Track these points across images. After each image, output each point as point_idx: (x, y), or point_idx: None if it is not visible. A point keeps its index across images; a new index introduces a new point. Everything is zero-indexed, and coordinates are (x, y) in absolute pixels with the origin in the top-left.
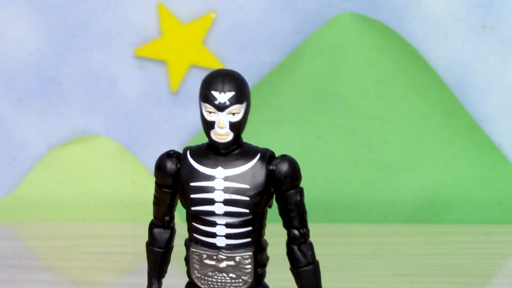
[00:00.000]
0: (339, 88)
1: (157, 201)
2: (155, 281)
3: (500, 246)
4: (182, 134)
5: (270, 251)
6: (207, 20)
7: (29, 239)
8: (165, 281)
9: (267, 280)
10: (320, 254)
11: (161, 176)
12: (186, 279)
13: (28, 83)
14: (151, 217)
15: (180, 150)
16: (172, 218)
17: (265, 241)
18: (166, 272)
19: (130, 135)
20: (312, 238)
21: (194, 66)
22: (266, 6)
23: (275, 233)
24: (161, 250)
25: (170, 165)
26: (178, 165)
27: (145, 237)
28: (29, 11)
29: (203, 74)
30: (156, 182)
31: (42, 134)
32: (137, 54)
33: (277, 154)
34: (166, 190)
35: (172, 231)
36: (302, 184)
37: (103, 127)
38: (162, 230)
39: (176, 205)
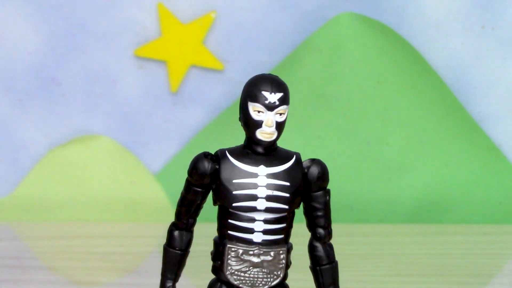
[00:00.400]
0: (339, 88)
1: (186, 202)
2: (171, 284)
3: (500, 246)
4: (182, 134)
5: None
6: (207, 20)
7: (29, 239)
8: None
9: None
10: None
11: (198, 175)
12: (189, 281)
13: (28, 83)
14: (151, 217)
15: (181, 150)
16: (195, 222)
17: (291, 243)
18: (180, 276)
19: (130, 135)
20: None
21: (194, 66)
22: (266, 6)
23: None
24: (180, 252)
25: (208, 164)
26: (217, 165)
27: (145, 237)
28: (29, 11)
29: (203, 74)
30: (188, 182)
31: (42, 134)
32: (137, 54)
33: None
34: (200, 190)
35: (192, 235)
36: None
37: (103, 127)
38: (183, 232)
39: (201, 208)
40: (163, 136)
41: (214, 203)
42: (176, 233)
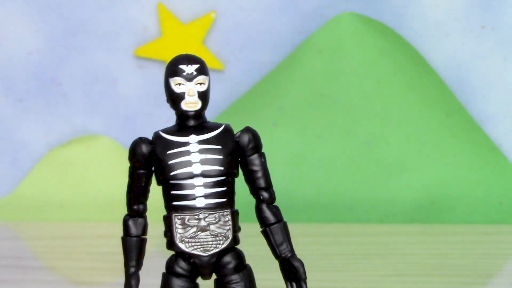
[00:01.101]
0: (339, 88)
1: (131, 187)
2: (134, 270)
3: (500, 246)
4: None
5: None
6: (207, 20)
7: (29, 239)
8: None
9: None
10: (320, 254)
11: (137, 158)
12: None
13: (28, 83)
14: (150, 217)
15: None
16: (145, 207)
17: (237, 210)
18: (142, 264)
19: (130, 135)
20: (312, 238)
21: None
22: (266, 6)
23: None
24: (137, 238)
25: (145, 146)
26: (152, 146)
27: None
28: (29, 11)
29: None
30: (130, 168)
31: (42, 134)
32: (137, 54)
33: (277, 155)
34: (142, 171)
35: (146, 221)
36: (302, 184)
37: (103, 127)
38: (137, 219)
39: (149, 191)
40: None
41: (158, 183)
42: (130, 221)
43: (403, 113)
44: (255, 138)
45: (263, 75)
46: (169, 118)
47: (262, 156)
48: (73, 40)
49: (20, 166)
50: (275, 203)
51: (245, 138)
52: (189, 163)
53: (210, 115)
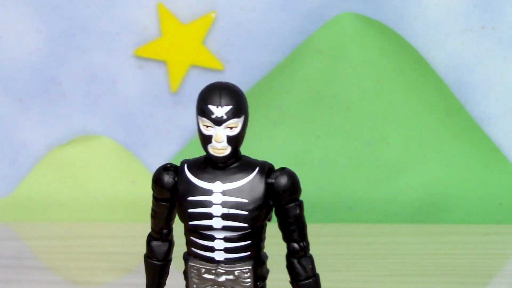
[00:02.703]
0: (339, 88)
1: (154, 214)
2: None
3: (500, 246)
4: (182, 134)
5: (269, 251)
6: (207, 20)
7: (29, 239)
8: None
9: (273, 278)
10: (320, 254)
11: (159, 190)
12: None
13: (28, 83)
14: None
15: (181, 150)
16: (170, 231)
17: (265, 254)
18: (165, 284)
19: (130, 135)
20: (312, 238)
21: (194, 66)
22: (266, 6)
23: (276, 234)
24: (159, 263)
25: (167, 178)
26: (175, 179)
27: (145, 237)
28: (29, 11)
29: (203, 74)
30: (153, 195)
31: (42, 134)
32: (137, 54)
33: (277, 155)
34: (164, 203)
35: (171, 244)
36: (302, 184)
37: (103, 127)
38: (160, 243)
39: (174, 218)
40: (163, 136)
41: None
42: (153, 243)
43: (403, 113)
44: (294, 185)
45: (263, 75)
46: (169, 118)
47: (299, 206)
48: (73, 40)
49: (20, 166)
50: (308, 255)
51: (282, 183)
52: (209, 216)
53: None
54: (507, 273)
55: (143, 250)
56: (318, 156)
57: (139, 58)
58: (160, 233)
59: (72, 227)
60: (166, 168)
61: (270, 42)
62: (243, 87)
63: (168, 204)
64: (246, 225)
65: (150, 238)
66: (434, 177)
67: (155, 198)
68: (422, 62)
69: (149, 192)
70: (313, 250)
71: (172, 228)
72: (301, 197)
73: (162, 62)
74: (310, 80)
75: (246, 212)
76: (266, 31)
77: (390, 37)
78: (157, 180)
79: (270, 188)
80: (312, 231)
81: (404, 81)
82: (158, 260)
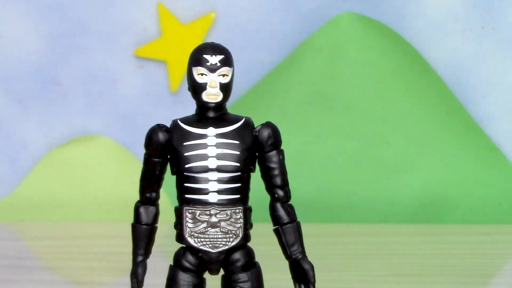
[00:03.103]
0: (339, 88)
1: (145, 175)
2: (142, 259)
3: (500, 246)
4: None
5: (264, 251)
6: (207, 20)
7: (29, 239)
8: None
9: (268, 278)
10: (320, 254)
11: (153, 146)
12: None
13: (28, 83)
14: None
15: None
16: (158, 195)
17: (251, 206)
18: (150, 252)
19: (130, 135)
20: (312, 238)
21: None
22: (266, 6)
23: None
24: (147, 227)
25: (161, 134)
26: (169, 134)
27: None
28: (29, 11)
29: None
30: (146, 155)
31: (42, 134)
32: (137, 54)
33: None
34: (157, 159)
35: (157, 210)
36: (302, 184)
37: (103, 127)
38: (148, 207)
39: (163, 179)
40: None
41: (172, 172)
42: (141, 208)
43: (403, 113)
44: (275, 134)
45: (263, 75)
46: (169, 118)
47: (280, 153)
48: (73, 40)
49: (20, 166)
50: (290, 202)
51: (265, 133)
52: (205, 157)
53: None
54: (507, 273)
55: None
56: (318, 156)
57: (139, 58)
58: (149, 197)
59: (72, 227)
60: (159, 125)
61: (270, 42)
62: (243, 87)
63: (160, 159)
64: (238, 164)
65: (138, 204)
66: (434, 177)
67: (148, 156)
68: (422, 62)
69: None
70: (313, 250)
71: (160, 194)
72: (301, 197)
73: (162, 62)
74: (310, 80)
75: (238, 152)
76: (266, 31)
77: (390, 37)
78: (152, 136)
79: (255, 140)
80: (312, 231)
81: (404, 81)
82: (146, 224)
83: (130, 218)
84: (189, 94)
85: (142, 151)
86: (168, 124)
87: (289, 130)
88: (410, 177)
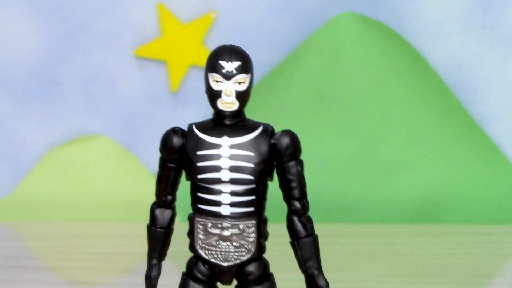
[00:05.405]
0: (339, 88)
1: (161, 178)
2: (156, 262)
3: (500, 246)
4: None
5: (270, 251)
6: (207, 20)
7: (29, 239)
8: (165, 282)
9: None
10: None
11: (168, 150)
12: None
13: (28, 83)
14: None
15: None
16: (174, 198)
17: (266, 217)
18: (166, 255)
19: (130, 135)
20: None
21: (194, 66)
22: (266, 6)
23: (276, 233)
24: (163, 230)
25: (176, 139)
26: (184, 140)
27: (145, 237)
28: (29, 11)
29: (203, 74)
30: (161, 159)
31: (42, 134)
32: (137, 54)
33: None
34: (171, 165)
35: (174, 212)
36: None
37: (103, 127)
38: (164, 209)
39: (179, 183)
40: None
41: (187, 178)
42: (157, 211)
43: (403, 113)
44: (294, 143)
45: (263, 75)
46: (169, 118)
47: (299, 164)
48: (73, 40)
49: (20, 166)
50: (308, 215)
51: (284, 142)
52: (218, 168)
53: (209, 116)
54: (507, 273)
55: (143, 250)
56: (318, 156)
57: (139, 58)
58: (164, 201)
59: (72, 227)
60: (174, 130)
61: (270, 42)
62: None
63: (175, 165)
64: (252, 177)
65: (154, 206)
66: (434, 177)
67: (163, 161)
68: (422, 62)
69: (149, 192)
70: None
71: (176, 196)
72: None
73: (162, 62)
74: (310, 80)
75: (252, 165)
76: (266, 31)
77: (390, 37)
78: (166, 141)
79: (273, 148)
80: None
81: (404, 81)
82: (161, 227)
83: (130, 218)
84: (189, 94)
85: (142, 151)
86: (185, 127)
87: None
88: (410, 177)
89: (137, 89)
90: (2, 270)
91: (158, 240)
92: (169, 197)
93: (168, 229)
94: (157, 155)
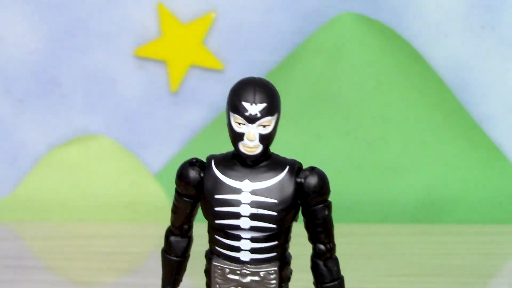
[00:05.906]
0: (339, 88)
1: (176, 210)
2: None
3: (500, 246)
4: (182, 134)
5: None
6: (207, 20)
7: (29, 239)
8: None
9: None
10: None
11: (183, 185)
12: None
13: (28, 83)
14: (151, 217)
15: (181, 151)
16: (190, 227)
17: (289, 254)
18: (181, 281)
19: (130, 135)
20: None
21: (194, 66)
22: (266, 6)
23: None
24: (177, 259)
25: (193, 174)
26: (202, 175)
27: (145, 237)
28: (29, 11)
29: (203, 74)
30: (176, 191)
31: (42, 134)
32: (137, 54)
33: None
34: (187, 199)
35: (190, 240)
36: None
37: (103, 127)
38: (179, 239)
39: (195, 214)
40: (163, 136)
41: (204, 216)
42: (172, 239)
43: (403, 113)
44: (323, 185)
45: (263, 75)
46: (169, 118)
47: (327, 207)
48: (73, 40)
49: (20, 166)
50: (334, 256)
51: (311, 183)
52: (237, 216)
53: (209, 116)
54: (507, 273)
55: (143, 250)
56: (318, 156)
57: (139, 58)
58: (180, 229)
59: (72, 227)
60: (192, 163)
61: (270, 42)
62: None
63: (191, 200)
64: (274, 226)
65: (169, 233)
66: (434, 177)
67: (178, 194)
68: (422, 62)
69: (149, 192)
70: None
71: (193, 225)
72: None
73: (162, 62)
74: (310, 80)
75: (275, 213)
76: (266, 31)
77: (390, 37)
78: (182, 175)
79: (299, 188)
80: None
81: (404, 81)
82: (176, 256)
83: (130, 218)
84: (189, 94)
85: (142, 151)
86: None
87: (289, 130)
88: (410, 177)
89: (137, 89)
90: (2, 270)
91: (172, 269)
92: (185, 227)
93: (183, 258)
94: (157, 155)
